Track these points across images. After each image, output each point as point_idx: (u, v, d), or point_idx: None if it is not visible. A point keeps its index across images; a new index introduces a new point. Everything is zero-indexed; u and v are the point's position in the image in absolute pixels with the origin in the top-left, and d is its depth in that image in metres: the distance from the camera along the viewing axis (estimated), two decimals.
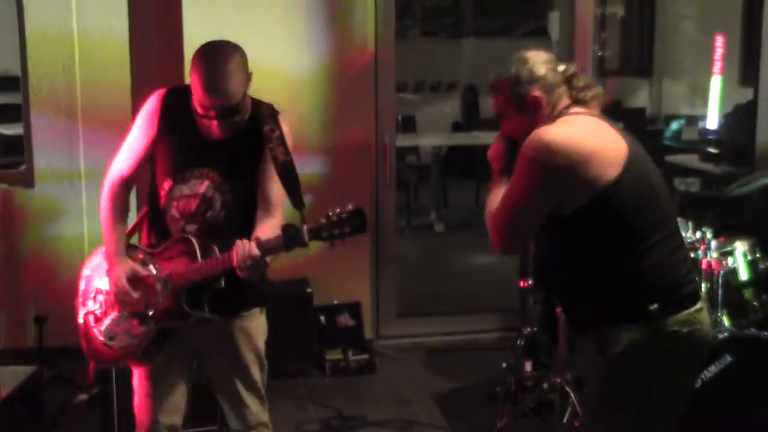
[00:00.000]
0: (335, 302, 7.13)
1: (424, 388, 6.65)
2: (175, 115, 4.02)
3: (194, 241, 3.94)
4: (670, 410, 3.79)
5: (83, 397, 5.96)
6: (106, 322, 4.11)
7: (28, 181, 6.76)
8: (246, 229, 3.98)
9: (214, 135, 3.93)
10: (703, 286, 5.56)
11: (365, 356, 6.98)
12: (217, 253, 3.90)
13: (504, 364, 6.28)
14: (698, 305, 3.70)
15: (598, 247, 3.62)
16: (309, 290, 6.87)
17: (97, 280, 4.19)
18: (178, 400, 4.27)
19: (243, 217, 4.06)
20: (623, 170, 3.54)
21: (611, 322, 3.64)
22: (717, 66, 11.45)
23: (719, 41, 11.48)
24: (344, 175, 6.91)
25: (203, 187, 4.01)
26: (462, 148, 12.53)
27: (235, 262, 3.75)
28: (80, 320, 4.20)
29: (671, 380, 3.71)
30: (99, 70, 6.62)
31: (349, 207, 3.78)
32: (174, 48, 6.50)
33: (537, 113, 3.70)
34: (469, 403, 6.41)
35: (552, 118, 3.68)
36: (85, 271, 4.28)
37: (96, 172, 5.90)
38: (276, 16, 6.82)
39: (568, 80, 3.77)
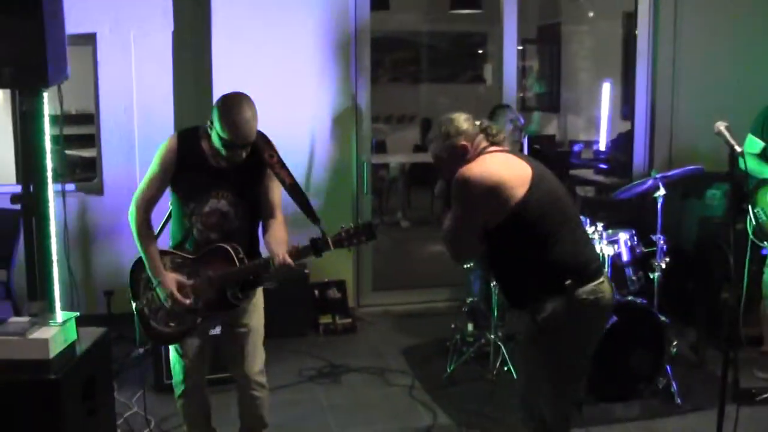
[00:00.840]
0: (326, 280, 7.09)
1: (394, 344, 6.63)
2: (190, 153, 4.01)
3: (230, 249, 4.00)
4: (583, 356, 3.85)
5: (140, 351, 5.89)
6: (161, 314, 4.15)
7: (99, 190, 6.78)
8: (253, 231, 4.19)
9: (225, 162, 3.98)
10: None
11: (349, 320, 6.94)
12: (245, 260, 4.02)
13: (452, 326, 6.24)
14: (601, 279, 3.75)
15: (521, 246, 3.68)
16: (307, 271, 6.83)
17: (143, 280, 4.18)
18: (205, 359, 4.32)
19: (251, 223, 4.16)
20: (529, 189, 3.63)
21: (540, 298, 3.65)
22: (605, 105, 11.45)
23: (606, 87, 11.48)
24: (334, 185, 6.89)
25: (221, 204, 4.04)
26: (421, 164, 12.48)
27: (272, 270, 3.92)
28: (136, 311, 4.23)
29: (584, 335, 3.78)
30: (150, 110, 6.55)
31: (360, 221, 4.00)
32: (205, 93, 6.48)
33: (465, 157, 3.74)
34: (427, 354, 6.38)
35: (474, 157, 3.73)
36: (132, 270, 4.25)
37: None
38: (287, 73, 6.78)
39: (483, 130, 3.83)
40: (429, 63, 14.06)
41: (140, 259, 4.12)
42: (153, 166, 4.07)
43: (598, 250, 5.55)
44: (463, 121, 3.81)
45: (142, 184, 4.09)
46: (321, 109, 6.95)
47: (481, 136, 3.81)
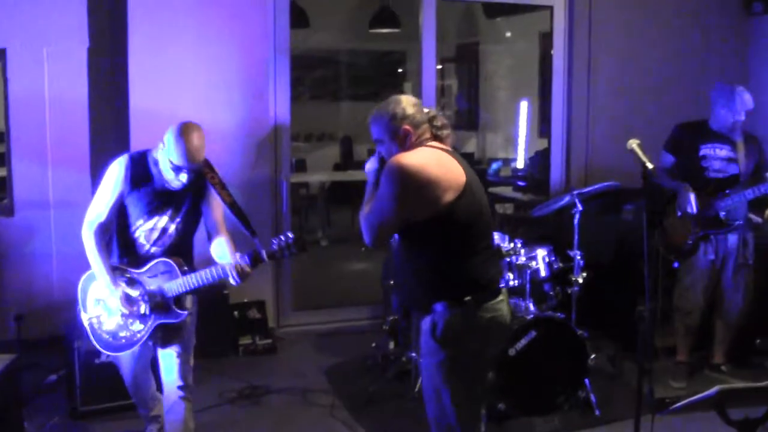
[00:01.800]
0: (246, 300, 7.03)
1: (314, 364, 6.60)
2: (139, 174, 4.37)
3: (173, 263, 4.38)
4: (479, 372, 3.82)
5: (53, 377, 5.80)
6: (112, 324, 4.49)
7: (9, 211, 6.55)
8: (191, 248, 4.62)
9: (171, 185, 4.31)
10: (516, 281, 5.63)
11: (269, 341, 6.90)
12: (184, 270, 4.39)
13: (373, 344, 6.27)
14: (500, 297, 3.76)
15: (436, 250, 3.64)
16: (226, 292, 6.77)
17: (91, 294, 4.54)
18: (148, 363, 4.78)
19: (188, 236, 4.57)
20: (460, 195, 3.60)
21: (436, 304, 3.66)
22: (523, 123, 11.62)
23: (524, 106, 11.66)
24: (254, 204, 6.85)
25: (163, 222, 4.42)
26: (341, 182, 12.54)
27: (233, 278, 4.27)
28: (85, 323, 4.57)
29: (479, 352, 3.75)
30: (64, 128, 6.46)
31: (289, 234, 4.30)
32: (122, 110, 6.43)
33: (406, 142, 3.71)
34: (348, 373, 6.37)
35: (413, 146, 3.70)
36: (81, 286, 4.59)
37: (61, 203, 5.78)
38: (205, 91, 6.75)
39: (430, 120, 3.79)
40: (349, 81, 14.14)
41: (90, 274, 4.48)
42: (105, 189, 4.39)
43: (517, 267, 5.65)
44: (411, 105, 3.77)
45: (93, 206, 4.41)
46: (240, 127, 6.92)
47: (426, 125, 3.79)
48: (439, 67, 11.24)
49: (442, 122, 3.85)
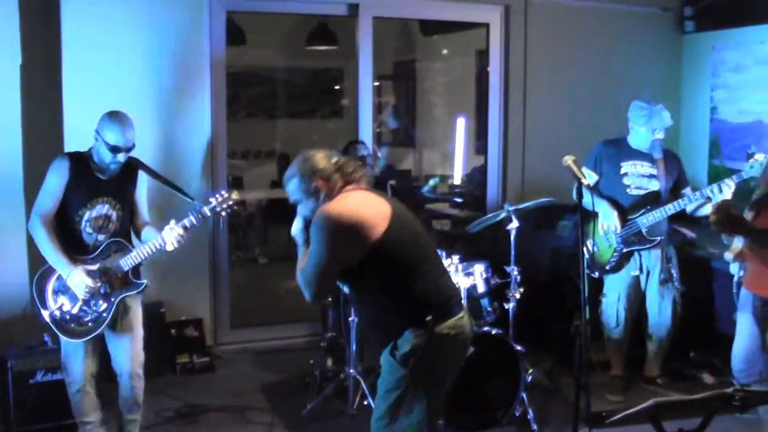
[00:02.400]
0: (183, 318, 6.97)
1: (253, 382, 6.57)
2: (78, 168, 4.75)
3: (122, 240, 4.85)
4: (441, 389, 3.88)
5: None
6: (75, 310, 4.76)
7: None
8: (129, 229, 5.00)
9: (107, 173, 4.78)
10: None
11: (206, 359, 6.84)
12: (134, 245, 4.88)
13: (311, 361, 6.25)
14: (461, 314, 3.81)
15: (382, 284, 3.73)
16: (163, 310, 6.72)
17: (49, 288, 4.79)
18: (96, 359, 4.97)
19: (127, 222, 4.96)
20: (388, 226, 3.67)
21: (401, 333, 3.70)
22: (459, 140, 11.68)
23: (460, 122, 11.73)
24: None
25: (105, 209, 4.81)
26: (278, 200, 12.45)
27: (168, 243, 4.69)
28: (47, 318, 4.78)
29: (443, 369, 3.83)
30: None
31: (224, 192, 4.79)
32: (56, 127, 6.34)
33: (320, 196, 3.81)
34: (286, 390, 6.35)
35: (332, 196, 3.79)
36: (36, 285, 4.81)
37: None
38: (140, 108, 6.64)
39: (339, 168, 3.86)
40: (286, 98, 14.09)
41: (43, 272, 4.78)
42: (49, 184, 4.72)
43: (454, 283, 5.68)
44: (319, 159, 3.85)
45: (40, 199, 4.74)
46: (175, 145, 6.87)
47: (338, 175, 3.85)
48: (376, 84, 11.24)
49: (353, 167, 3.91)
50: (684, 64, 8.45)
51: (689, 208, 5.88)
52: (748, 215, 4.91)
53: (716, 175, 5.91)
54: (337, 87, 14.14)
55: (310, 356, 6.34)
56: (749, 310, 4.95)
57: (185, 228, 4.73)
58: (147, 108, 6.74)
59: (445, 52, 12.85)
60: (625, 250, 6.00)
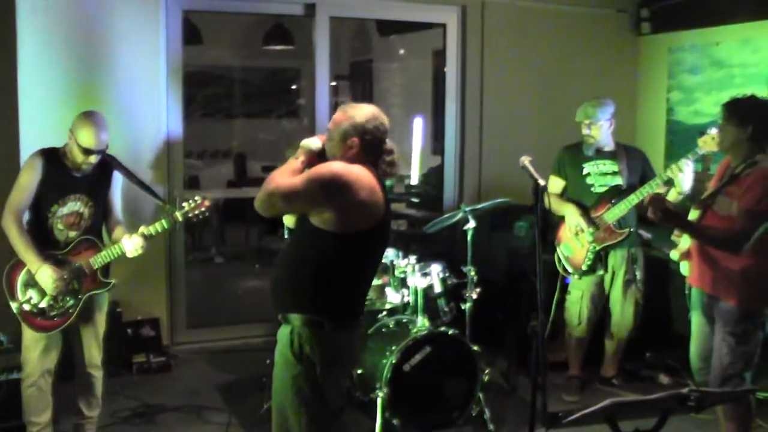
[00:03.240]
0: (139, 318, 6.92)
1: (210, 381, 6.54)
2: (52, 165, 4.78)
3: (94, 239, 4.91)
4: (334, 390, 3.85)
5: None
6: (43, 304, 4.77)
7: None
8: (101, 227, 5.03)
9: (81, 171, 4.80)
10: (410, 298, 5.66)
11: (163, 359, 6.79)
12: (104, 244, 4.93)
13: (268, 361, 6.19)
14: (358, 320, 3.85)
15: (330, 258, 3.66)
16: (119, 309, 6.66)
17: (19, 281, 4.79)
18: (55, 356, 4.98)
19: (100, 220, 4.99)
20: (374, 227, 3.66)
21: (299, 310, 3.72)
22: (416, 140, 11.69)
23: (417, 123, 11.74)
24: (147, 220, 6.71)
25: (77, 206, 4.85)
26: (235, 199, 12.42)
27: (128, 252, 4.78)
28: (15, 311, 4.79)
29: (331, 370, 3.78)
30: None
31: (197, 198, 4.86)
32: (11, 127, 6.26)
33: (346, 152, 3.72)
34: (243, 391, 6.32)
35: (351, 157, 3.70)
36: (5, 277, 4.83)
37: None
38: (95, 107, 6.57)
39: (385, 151, 3.83)
40: (243, 98, 14.04)
41: (13, 264, 4.80)
42: (23, 178, 4.76)
43: (411, 283, 5.69)
44: (377, 126, 3.75)
45: (14, 195, 4.75)
46: (131, 145, 6.77)
47: (376, 155, 3.78)
48: (333, 84, 11.22)
49: (392, 160, 3.85)
50: (641, 65, 8.52)
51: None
52: (694, 214, 4.96)
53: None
54: (293, 87, 14.11)
55: (266, 356, 6.27)
56: (699, 307, 5.01)
57: (150, 236, 4.83)
58: (102, 107, 6.58)
59: (401, 52, 12.88)
60: (598, 248, 6.03)
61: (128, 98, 6.80)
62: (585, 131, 6.08)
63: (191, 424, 5.74)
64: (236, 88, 13.98)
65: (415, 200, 9.89)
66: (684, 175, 5.57)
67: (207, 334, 7.49)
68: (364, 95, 13.58)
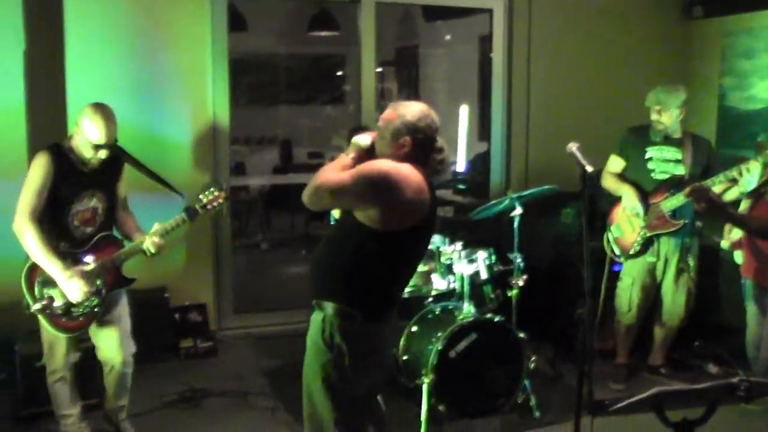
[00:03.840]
0: (186, 303, 6.99)
1: (256, 366, 6.59)
2: (62, 163, 4.59)
3: (114, 236, 4.86)
4: (364, 379, 3.86)
5: None
6: (66, 307, 4.63)
7: None
8: (114, 221, 4.92)
9: (89, 166, 4.65)
10: (456, 284, 5.65)
11: (210, 344, 6.85)
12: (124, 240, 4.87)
13: None
14: (391, 313, 3.85)
15: (372, 253, 3.64)
16: (166, 295, 6.74)
17: (38, 283, 4.62)
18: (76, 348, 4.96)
19: (113, 211, 4.89)
20: (424, 220, 3.64)
21: (333, 300, 3.73)
22: (463, 127, 11.66)
23: (464, 109, 11.71)
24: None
25: (92, 202, 4.73)
26: (280, 186, 12.51)
27: (147, 250, 4.76)
28: (37, 312, 4.60)
29: (360, 361, 3.78)
30: (1, 134, 6.33)
31: (213, 189, 4.87)
32: (59, 114, 6.33)
33: (397, 151, 3.70)
34: (289, 376, 6.30)
35: (400, 158, 3.68)
36: (24, 279, 4.62)
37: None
38: (142, 95, 6.71)
39: (437, 150, 3.80)
40: (288, 85, 14.09)
41: (31, 265, 4.59)
42: (34, 180, 4.55)
43: (457, 270, 5.68)
44: (428, 125, 3.73)
45: (27, 198, 4.53)
46: (178, 132, 6.87)
47: (422, 149, 3.76)
48: (379, 70, 11.23)
49: (443, 158, 3.83)
50: (692, 50, 8.41)
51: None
52: (746, 203, 4.90)
53: (723, 163, 5.87)
54: (338, 73, 14.13)
55: None
56: (752, 297, 4.96)
57: (167, 233, 4.81)
58: (149, 95, 6.75)
59: (447, 38, 12.84)
60: (648, 235, 5.99)
61: (174, 85, 6.86)
62: (654, 117, 6.01)
63: (237, 409, 5.79)
64: (281, 75, 14.04)
65: (461, 187, 9.87)
66: (751, 177, 5.45)
67: (253, 320, 7.55)
68: (410, 81, 13.57)
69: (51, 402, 4.94)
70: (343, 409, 3.80)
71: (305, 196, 3.76)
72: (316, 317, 3.81)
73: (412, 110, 3.74)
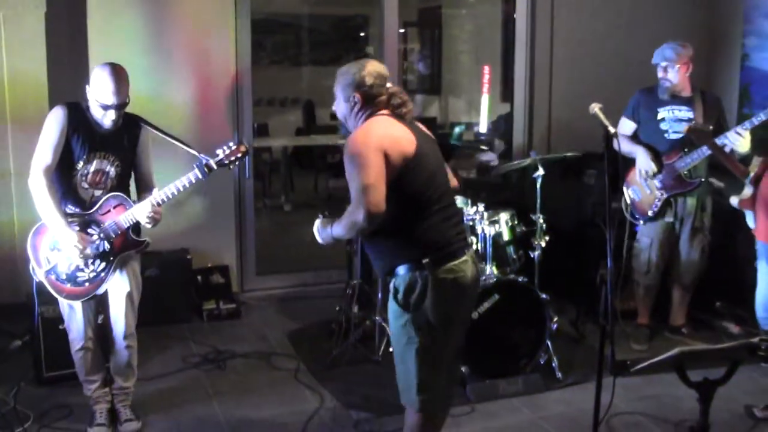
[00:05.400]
0: (209, 265, 7.04)
1: (279, 328, 6.61)
2: (77, 121, 4.47)
3: (123, 195, 4.59)
4: (448, 335, 3.82)
5: (17, 343, 5.77)
6: (71, 270, 4.54)
7: None
8: (128, 186, 4.74)
9: (105, 127, 4.48)
10: (479, 245, 5.64)
11: (233, 305, 6.87)
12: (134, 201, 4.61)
13: (337, 308, 6.28)
14: (463, 258, 3.78)
15: (390, 216, 3.60)
16: (189, 257, 6.75)
17: (44, 246, 4.54)
18: (96, 316, 4.85)
19: (126, 179, 4.70)
20: (409, 161, 3.65)
21: (396, 269, 3.73)
22: (485, 87, 11.61)
23: (486, 70, 11.65)
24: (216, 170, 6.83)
25: (104, 164, 4.55)
26: (303, 147, 12.53)
27: (142, 220, 4.51)
28: (42, 278, 4.56)
29: (445, 313, 3.75)
30: (23, 93, 6.36)
31: (231, 145, 4.55)
32: (81, 75, 6.33)
33: (353, 109, 3.79)
34: (312, 337, 6.40)
35: (365, 117, 3.77)
36: (30, 243, 4.57)
37: (22, 171, 5.68)
38: (164, 55, 6.71)
39: (389, 96, 3.79)
40: (311, 46, 14.06)
41: (37, 228, 4.53)
42: (49, 134, 4.43)
43: (479, 231, 5.67)
44: (373, 75, 3.78)
45: (40, 153, 4.43)
46: (200, 92, 6.87)
47: (383, 99, 3.78)
48: (402, 31, 11.17)
49: (402, 99, 3.82)
50: (715, 10, 8.31)
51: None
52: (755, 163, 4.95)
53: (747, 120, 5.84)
54: (361, 34, 14.09)
55: (335, 303, 6.37)
56: (764, 257, 4.97)
57: (164, 201, 4.51)
58: (172, 54, 6.75)
59: None
60: (666, 196, 5.97)
61: (197, 45, 6.85)
62: (661, 74, 5.98)
63: (260, 370, 5.83)
64: (304, 36, 14.01)
65: (483, 148, 9.85)
66: (743, 140, 5.47)
67: (276, 281, 7.59)
68: (433, 42, 13.51)
69: (75, 366, 4.92)
70: (429, 369, 3.80)
71: (363, 220, 3.58)
72: (391, 283, 3.85)
73: (352, 68, 3.82)
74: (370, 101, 3.78)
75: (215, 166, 4.52)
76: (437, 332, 3.76)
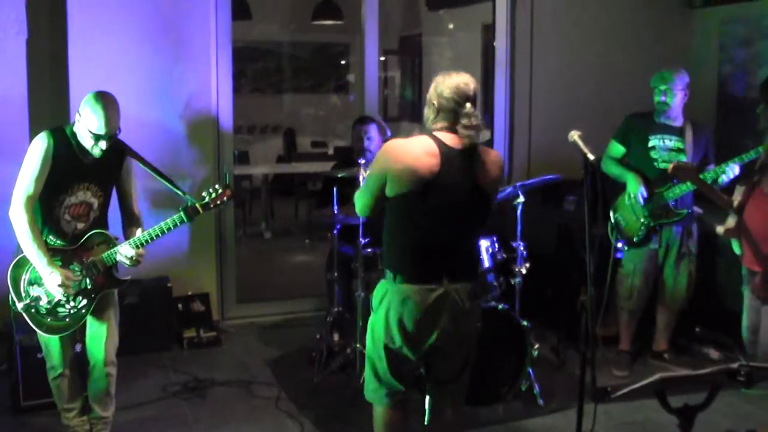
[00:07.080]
0: (189, 293, 7.00)
1: (259, 356, 6.59)
2: (61, 149, 4.37)
3: (107, 233, 4.56)
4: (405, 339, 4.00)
5: None
6: (51, 305, 4.47)
7: None
8: (106, 220, 4.64)
9: (92, 155, 4.38)
10: None
11: (213, 333, 6.85)
12: (117, 239, 4.60)
13: (318, 336, 6.26)
14: (433, 286, 3.93)
15: (390, 226, 3.91)
16: (169, 284, 6.72)
17: (24, 280, 4.45)
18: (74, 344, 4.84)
19: (107, 207, 4.62)
20: (421, 189, 3.74)
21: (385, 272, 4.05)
22: None
23: None
24: (195, 197, 6.82)
25: (87, 196, 4.47)
26: (284, 174, 12.54)
27: (124, 261, 4.47)
28: (22, 311, 4.46)
29: (399, 319, 3.95)
30: (2, 120, 6.31)
31: (218, 187, 4.52)
32: (62, 102, 6.33)
33: (432, 116, 3.89)
34: (292, 365, 6.38)
35: (435, 121, 3.88)
36: (10, 276, 4.46)
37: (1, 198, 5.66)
38: (145, 83, 6.70)
39: (462, 115, 3.80)
40: (292, 73, 14.10)
41: (18, 260, 4.44)
42: (32, 165, 4.33)
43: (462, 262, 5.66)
44: (451, 88, 3.81)
45: (23, 183, 4.33)
46: (181, 120, 6.87)
47: (450, 115, 3.81)
48: (382, 58, 11.23)
49: (470, 123, 3.79)
50: (692, 38, 8.40)
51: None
52: (739, 190, 5.01)
53: (725, 146, 5.91)
54: (342, 62, 14.13)
55: (316, 331, 6.36)
56: (748, 283, 5.03)
57: (147, 243, 4.48)
58: (152, 83, 6.75)
59: (451, 26, 12.84)
60: (652, 224, 6.00)
61: (178, 73, 6.85)
62: (660, 98, 6.00)
63: (241, 398, 5.80)
64: (285, 63, 14.05)
65: None
66: (727, 177, 5.61)
67: (256, 309, 7.57)
68: (413, 70, 13.57)
69: (52, 394, 4.87)
70: (379, 362, 4.09)
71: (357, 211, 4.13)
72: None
73: (438, 78, 3.88)
74: (437, 113, 3.85)
75: (201, 210, 4.51)
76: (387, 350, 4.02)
